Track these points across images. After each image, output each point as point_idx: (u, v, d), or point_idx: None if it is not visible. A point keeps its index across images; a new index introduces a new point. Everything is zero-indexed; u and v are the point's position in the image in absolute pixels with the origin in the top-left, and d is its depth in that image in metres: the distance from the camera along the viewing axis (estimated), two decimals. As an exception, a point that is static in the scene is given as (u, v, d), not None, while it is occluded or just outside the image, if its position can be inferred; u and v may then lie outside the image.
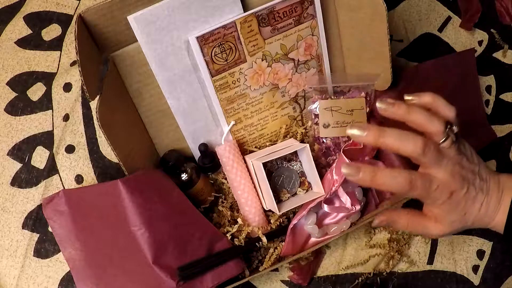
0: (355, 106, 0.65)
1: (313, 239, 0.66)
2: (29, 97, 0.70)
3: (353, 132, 0.49)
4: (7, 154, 0.69)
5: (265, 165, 0.62)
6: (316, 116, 0.66)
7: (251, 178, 0.65)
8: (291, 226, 0.63)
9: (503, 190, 0.53)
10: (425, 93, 0.52)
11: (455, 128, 0.50)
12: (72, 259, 0.56)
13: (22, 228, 0.67)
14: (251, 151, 0.68)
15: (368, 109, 0.66)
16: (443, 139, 0.50)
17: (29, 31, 0.72)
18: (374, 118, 0.68)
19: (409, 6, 0.79)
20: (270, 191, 0.60)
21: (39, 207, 0.67)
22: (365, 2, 0.61)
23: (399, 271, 0.71)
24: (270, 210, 0.65)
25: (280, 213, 0.62)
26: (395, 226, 0.58)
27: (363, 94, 0.66)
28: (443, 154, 0.50)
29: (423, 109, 0.50)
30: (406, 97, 0.52)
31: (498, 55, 0.79)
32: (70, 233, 0.56)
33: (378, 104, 0.50)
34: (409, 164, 0.65)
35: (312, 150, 0.66)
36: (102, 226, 0.57)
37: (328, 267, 0.71)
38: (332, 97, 0.67)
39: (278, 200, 0.65)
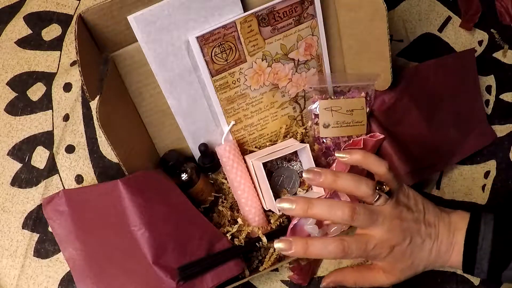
0: (355, 106, 0.65)
1: None
2: (29, 97, 0.70)
3: (282, 206, 0.50)
4: (7, 154, 0.69)
5: (265, 165, 0.62)
6: (316, 116, 0.67)
7: (251, 178, 0.65)
8: (291, 226, 0.63)
9: (454, 231, 0.53)
10: (355, 151, 0.52)
11: (385, 187, 0.50)
12: (72, 259, 0.56)
13: (22, 228, 0.67)
14: (251, 151, 0.68)
15: (368, 109, 0.66)
16: (375, 199, 0.50)
17: (29, 31, 0.72)
18: (374, 118, 0.68)
19: (409, 6, 0.79)
20: (270, 191, 0.60)
21: (39, 207, 0.67)
22: (365, 2, 0.61)
23: (399, 271, 0.71)
24: (270, 210, 0.66)
25: (280, 213, 0.62)
26: (344, 285, 0.58)
27: (363, 94, 0.66)
28: (377, 213, 0.50)
29: (349, 174, 0.50)
30: (337, 154, 0.53)
31: (498, 55, 0.79)
32: (70, 233, 0.56)
33: (304, 174, 0.51)
34: (409, 163, 0.65)
35: (312, 150, 0.66)
36: (102, 226, 0.57)
37: (328, 267, 0.71)
38: (332, 97, 0.67)
39: (278, 200, 0.65)
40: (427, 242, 0.53)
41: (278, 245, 0.49)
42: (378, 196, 0.50)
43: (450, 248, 0.53)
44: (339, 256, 0.49)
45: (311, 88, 0.68)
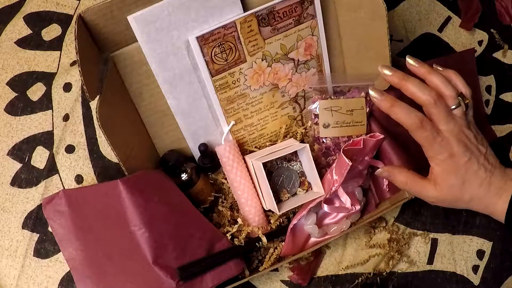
0: (355, 106, 0.65)
1: (313, 239, 0.66)
2: (29, 97, 0.70)
3: (384, 71, 0.56)
4: (7, 154, 0.69)
5: (265, 165, 0.62)
6: (316, 116, 0.66)
7: (251, 178, 0.65)
8: (291, 226, 0.63)
9: (507, 180, 0.55)
10: (450, 70, 0.58)
11: (466, 99, 0.56)
12: (72, 259, 0.56)
13: (22, 228, 0.67)
14: (251, 151, 0.68)
15: (368, 109, 0.66)
16: (455, 106, 0.54)
17: (29, 31, 0.72)
18: (374, 118, 0.68)
19: (409, 6, 0.79)
20: (270, 191, 0.60)
21: (39, 207, 0.67)
22: (365, 2, 0.61)
23: (399, 271, 0.71)
24: (270, 210, 0.65)
25: (280, 213, 0.62)
26: (394, 181, 0.61)
27: (363, 94, 0.66)
28: (452, 116, 0.55)
29: (443, 76, 0.56)
30: (435, 66, 0.58)
31: (498, 55, 0.79)
32: (70, 233, 0.56)
33: (408, 59, 0.57)
34: (409, 163, 0.65)
35: (312, 150, 0.66)
36: (102, 226, 0.57)
37: (328, 267, 0.71)
38: (332, 97, 0.67)
39: (278, 200, 0.65)
40: (481, 171, 0.55)
41: (371, 91, 0.56)
42: (458, 102, 0.55)
43: (500, 192, 0.54)
44: (416, 125, 0.54)
45: (310, 88, 0.68)
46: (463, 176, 0.55)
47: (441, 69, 0.58)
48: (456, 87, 0.56)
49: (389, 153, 0.66)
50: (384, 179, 0.67)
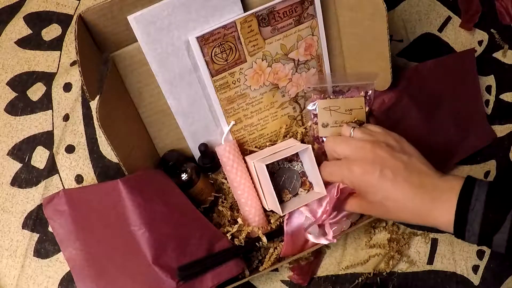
0: (354, 106, 0.65)
1: (312, 240, 0.66)
2: (29, 97, 0.70)
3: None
4: (7, 154, 0.69)
5: (266, 166, 0.62)
6: (315, 115, 0.67)
7: (251, 178, 0.65)
8: (285, 227, 0.63)
9: (447, 189, 0.52)
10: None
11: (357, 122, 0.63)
12: (72, 258, 0.56)
13: (22, 228, 0.67)
14: (251, 151, 0.68)
15: (367, 109, 0.66)
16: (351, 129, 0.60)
17: (29, 31, 0.72)
18: (373, 118, 0.68)
19: (409, 6, 0.79)
20: (274, 192, 0.60)
21: (39, 207, 0.67)
22: (365, 2, 0.61)
23: (399, 271, 0.71)
24: (270, 210, 0.65)
25: (283, 214, 0.62)
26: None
27: (362, 93, 0.66)
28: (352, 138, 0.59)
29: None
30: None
31: (498, 55, 0.79)
32: (70, 232, 0.56)
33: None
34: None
35: (312, 149, 0.66)
36: (102, 225, 0.57)
37: (328, 267, 0.71)
38: (331, 97, 0.67)
39: (280, 201, 0.65)
40: (405, 185, 0.53)
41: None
42: (352, 128, 0.60)
43: (440, 204, 0.52)
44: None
45: (309, 88, 0.68)
46: (378, 191, 0.54)
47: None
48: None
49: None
50: None
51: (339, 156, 0.59)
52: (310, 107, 0.67)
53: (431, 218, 0.52)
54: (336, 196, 0.59)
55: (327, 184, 0.62)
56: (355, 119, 0.65)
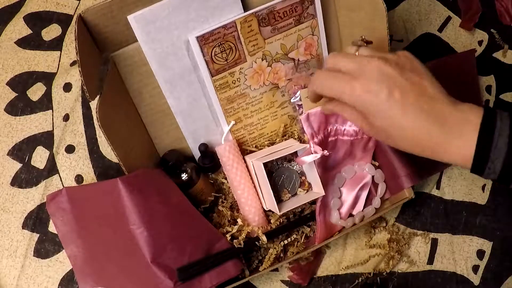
0: None
1: (339, 223, 0.66)
2: (29, 97, 0.70)
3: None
4: (7, 154, 0.69)
5: (265, 165, 0.62)
6: (300, 106, 0.66)
7: (251, 178, 0.65)
8: (317, 210, 0.64)
9: (463, 121, 0.46)
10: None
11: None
12: (74, 256, 0.57)
13: (22, 228, 0.67)
14: (251, 151, 0.68)
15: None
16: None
17: (29, 31, 0.72)
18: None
19: (409, 6, 0.79)
20: (271, 191, 0.60)
21: (39, 207, 0.67)
22: (365, 2, 0.61)
23: (399, 271, 0.71)
24: (270, 210, 0.65)
25: (281, 213, 0.62)
26: (343, 115, 0.53)
27: None
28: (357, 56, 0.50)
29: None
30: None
31: (498, 55, 0.79)
32: (72, 230, 0.57)
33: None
34: (408, 163, 0.65)
35: (303, 141, 0.66)
36: (102, 224, 0.57)
37: (328, 267, 0.71)
38: None
39: (279, 200, 0.65)
40: (416, 112, 0.46)
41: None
42: (358, 46, 0.51)
43: (455, 139, 0.46)
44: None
45: (288, 80, 0.66)
46: (386, 117, 0.47)
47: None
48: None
49: (389, 155, 0.66)
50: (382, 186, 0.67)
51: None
52: (293, 99, 0.66)
53: (443, 152, 0.47)
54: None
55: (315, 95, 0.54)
56: (362, 37, 0.56)
